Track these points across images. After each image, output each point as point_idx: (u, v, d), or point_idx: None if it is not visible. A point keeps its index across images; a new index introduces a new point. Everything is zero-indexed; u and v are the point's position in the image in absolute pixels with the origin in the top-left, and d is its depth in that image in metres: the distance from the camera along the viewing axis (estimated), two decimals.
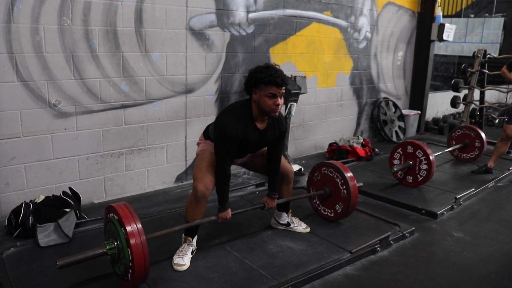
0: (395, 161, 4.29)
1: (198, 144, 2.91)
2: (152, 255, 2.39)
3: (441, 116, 7.75)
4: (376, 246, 2.92)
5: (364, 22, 5.66)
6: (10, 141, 3.12)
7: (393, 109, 6.41)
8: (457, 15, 9.08)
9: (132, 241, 2.14)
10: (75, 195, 3.30)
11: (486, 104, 6.39)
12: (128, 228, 2.16)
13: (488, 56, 6.17)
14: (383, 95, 6.34)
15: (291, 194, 3.14)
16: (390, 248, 3.00)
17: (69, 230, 2.89)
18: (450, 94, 6.47)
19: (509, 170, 4.83)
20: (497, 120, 7.58)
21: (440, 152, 4.95)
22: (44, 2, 3.07)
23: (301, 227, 3.15)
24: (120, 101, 3.59)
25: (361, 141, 5.43)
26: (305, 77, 4.61)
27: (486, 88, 6.25)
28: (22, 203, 3.01)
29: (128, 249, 2.15)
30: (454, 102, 6.38)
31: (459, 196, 3.88)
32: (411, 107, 6.86)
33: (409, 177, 4.21)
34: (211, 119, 3.97)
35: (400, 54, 6.47)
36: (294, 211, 3.30)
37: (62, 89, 3.27)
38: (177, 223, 2.82)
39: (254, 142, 2.66)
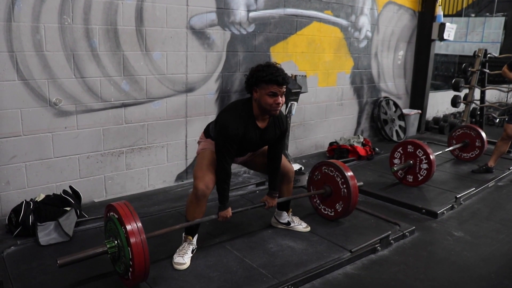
0: (396, 161, 4.29)
1: (198, 142, 2.90)
2: (153, 254, 2.39)
3: (442, 116, 7.74)
4: (376, 246, 2.92)
5: (364, 21, 5.66)
6: (11, 139, 3.12)
7: (394, 109, 6.41)
8: (458, 14, 9.08)
9: (132, 240, 2.14)
10: (75, 194, 3.30)
11: (486, 103, 6.39)
12: (128, 227, 2.16)
13: (488, 55, 6.16)
14: (383, 94, 6.33)
15: (291, 193, 3.14)
16: (391, 248, 3.00)
17: (70, 229, 2.90)
18: (451, 93, 6.46)
19: (509, 169, 4.82)
20: (497, 120, 7.57)
21: (441, 152, 4.95)
22: (45, 1, 3.07)
23: (301, 226, 3.15)
24: (121, 100, 3.59)
25: (362, 140, 5.42)
26: (305, 76, 4.61)
27: (487, 87, 6.25)
28: (23, 201, 3.01)
29: (129, 248, 2.16)
30: (454, 102, 6.37)
31: (460, 195, 3.88)
32: (412, 106, 6.85)
33: (410, 176, 4.21)
34: (212, 118, 3.96)
35: (401, 54, 6.46)
36: (295, 210, 3.30)
37: (62, 87, 3.27)
38: (177, 222, 2.82)
39: (254, 140, 2.66)
